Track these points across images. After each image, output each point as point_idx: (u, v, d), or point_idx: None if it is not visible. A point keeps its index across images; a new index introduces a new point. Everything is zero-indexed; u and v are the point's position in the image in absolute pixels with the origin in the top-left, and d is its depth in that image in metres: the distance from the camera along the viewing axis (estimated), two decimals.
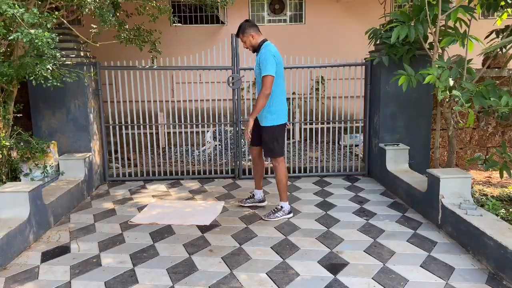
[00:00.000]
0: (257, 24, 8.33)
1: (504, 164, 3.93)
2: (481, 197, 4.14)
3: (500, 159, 4.17)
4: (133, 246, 3.51)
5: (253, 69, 5.67)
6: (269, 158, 4.39)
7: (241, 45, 5.54)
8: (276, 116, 3.98)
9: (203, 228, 3.88)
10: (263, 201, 4.46)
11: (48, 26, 3.70)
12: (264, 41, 3.98)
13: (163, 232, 3.80)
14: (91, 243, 3.58)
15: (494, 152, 5.59)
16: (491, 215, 3.40)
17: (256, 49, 4.01)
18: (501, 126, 5.89)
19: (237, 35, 4.05)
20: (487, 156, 4.64)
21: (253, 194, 4.49)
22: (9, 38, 3.46)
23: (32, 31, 3.30)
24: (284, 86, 4.06)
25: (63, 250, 3.46)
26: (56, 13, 3.91)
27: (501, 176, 3.99)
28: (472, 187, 3.99)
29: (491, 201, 3.78)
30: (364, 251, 3.34)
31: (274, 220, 4.04)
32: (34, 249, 3.47)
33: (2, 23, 3.51)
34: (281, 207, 4.12)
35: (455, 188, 3.74)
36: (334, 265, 3.11)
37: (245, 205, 4.46)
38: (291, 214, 4.15)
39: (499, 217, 3.44)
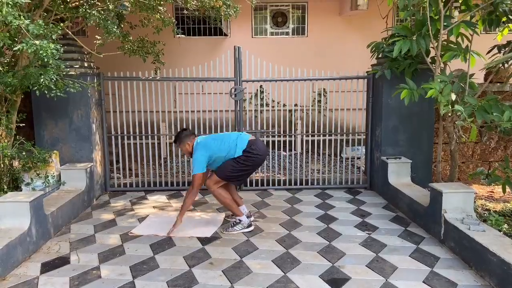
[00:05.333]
0: (260, 36, 8.43)
1: (506, 179, 3.91)
2: (484, 212, 4.11)
3: (502, 173, 4.15)
4: (133, 257, 3.49)
5: (255, 81, 5.72)
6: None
7: (244, 58, 5.59)
8: (234, 153, 4.00)
9: (204, 240, 3.86)
10: (249, 216, 4.29)
11: (53, 37, 3.73)
12: (195, 142, 4.14)
13: (163, 244, 3.78)
14: (91, 255, 3.55)
15: (497, 166, 5.56)
16: (494, 230, 3.38)
17: (191, 153, 4.16)
18: (503, 141, 5.88)
19: (175, 142, 4.27)
20: (489, 171, 4.63)
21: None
22: (14, 48, 3.48)
23: (37, 42, 3.33)
24: (227, 144, 4.04)
25: (63, 261, 3.43)
26: (61, 24, 3.95)
27: (504, 191, 3.97)
28: (474, 202, 3.96)
29: (494, 217, 3.75)
30: (366, 265, 3.31)
31: (232, 233, 4.02)
32: (34, 259, 3.45)
33: (7, 33, 3.54)
34: (240, 220, 4.09)
35: (458, 202, 3.72)
36: (335, 280, 3.08)
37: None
38: (251, 228, 4.10)
39: (502, 232, 3.41)
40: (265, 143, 6.81)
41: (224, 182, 4.08)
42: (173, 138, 4.30)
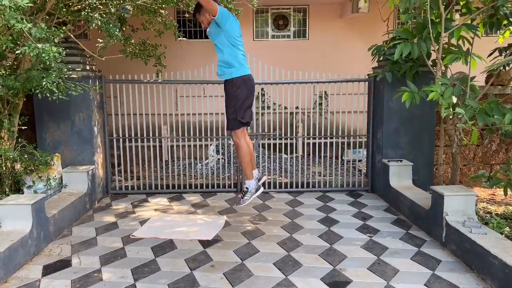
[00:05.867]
0: (261, 39, 8.44)
1: (508, 181, 3.91)
2: (485, 215, 4.10)
3: (504, 176, 4.15)
4: (134, 260, 3.49)
5: (256, 84, 5.71)
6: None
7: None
8: (234, 69, 3.80)
9: (205, 243, 3.86)
10: (261, 178, 4.10)
11: (56, 40, 3.75)
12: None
13: (164, 247, 3.78)
14: (92, 257, 3.56)
15: (498, 169, 5.55)
16: (495, 233, 3.37)
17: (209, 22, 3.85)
18: (505, 144, 5.87)
19: (194, 15, 3.94)
20: (491, 174, 4.62)
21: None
22: (17, 52, 3.50)
23: (40, 45, 3.34)
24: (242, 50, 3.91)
25: (64, 264, 3.44)
26: (63, 27, 3.97)
27: (505, 194, 3.96)
28: (476, 205, 3.96)
29: (496, 219, 3.75)
30: (367, 268, 3.31)
31: (245, 204, 3.88)
32: (36, 262, 3.46)
33: (10, 37, 3.56)
34: (247, 188, 3.91)
35: (459, 205, 3.72)
36: (337, 283, 3.08)
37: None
38: (261, 189, 3.95)
39: (503, 235, 3.41)
40: (266, 145, 6.83)
41: (242, 126, 3.84)
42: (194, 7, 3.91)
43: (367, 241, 3.88)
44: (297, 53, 8.37)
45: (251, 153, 3.93)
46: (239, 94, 3.81)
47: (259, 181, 4.03)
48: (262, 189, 3.99)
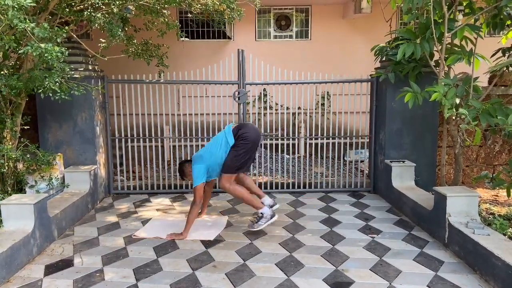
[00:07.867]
0: (263, 39, 8.44)
1: (511, 182, 3.89)
2: (488, 216, 4.09)
3: (507, 177, 4.14)
4: (136, 260, 3.49)
5: (258, 84, 5.73)
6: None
7: (247, 61, 5.60)
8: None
9: (207, 243, 3.86)
10: (274, 205, 4.28)
11: (58, 40, 3.75)
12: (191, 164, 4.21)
13: (166, 247, 3.78)
14: (94, 257, 3.56)
15: (501, 170, 5.53)
16: (498, 234, 3.36)
17: None
18: (508, 144, 5.85)
19: (182, 178, 4.44)
20: (494, 175, 4.60)
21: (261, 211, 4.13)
22: (19, 51, 3.50)
23: (42, 45, 3.34)
24: (219, 148, 4.08)
25: (66, 263, 3.44)
26: (66, 27, 3.97)
27: (508, 195, 3.95)
28: (479, 206, 3.94)
29: (499, 220, 3.73)
30: (370, 269, 3.30)
31: (260, 228, 4.03)
32: (38, 262, 3.46)
33: (13, 36, 3.56)
34: (262, 213, 4.07)
35: (462, 206, 3.70)
36: (339, 284, 3.07)
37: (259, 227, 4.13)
38: (275, 217, 4.11)
39: (506, 236, 3.39)
40: (268, 145, 6.83)
41: (235, 175, 4.08)
42: (178, 174, 4.44)
43: (370, 242, 3.87)
44: (299, 54, 8.37)
45: (243, 191, 4.12)
46: (239, 151, 4.02)
47: (271, 207, 4.19)
48: (276, 216, 4.14)
